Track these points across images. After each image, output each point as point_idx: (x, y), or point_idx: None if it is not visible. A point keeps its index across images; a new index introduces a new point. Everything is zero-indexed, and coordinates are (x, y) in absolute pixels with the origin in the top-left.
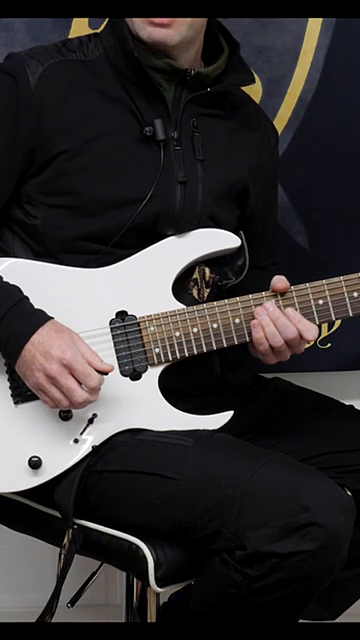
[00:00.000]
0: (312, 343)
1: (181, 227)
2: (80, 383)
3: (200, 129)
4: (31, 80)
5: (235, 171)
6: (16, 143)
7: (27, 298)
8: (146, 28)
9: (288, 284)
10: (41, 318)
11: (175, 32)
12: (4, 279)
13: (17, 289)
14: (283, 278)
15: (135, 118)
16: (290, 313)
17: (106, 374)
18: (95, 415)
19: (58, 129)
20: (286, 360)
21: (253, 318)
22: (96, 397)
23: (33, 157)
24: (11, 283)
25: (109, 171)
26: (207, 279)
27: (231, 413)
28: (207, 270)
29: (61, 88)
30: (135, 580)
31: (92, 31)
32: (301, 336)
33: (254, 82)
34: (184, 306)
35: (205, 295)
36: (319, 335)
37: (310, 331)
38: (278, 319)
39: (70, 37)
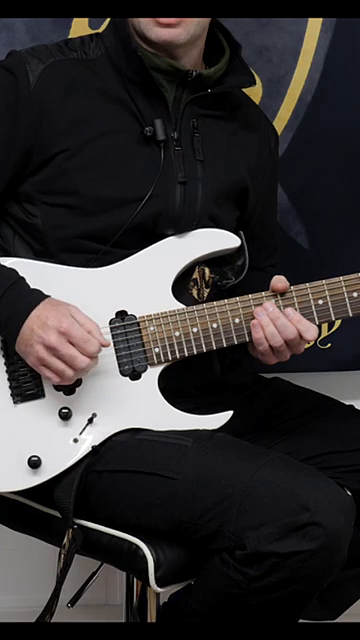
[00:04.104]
0: (312, 343)
1: (181, 227)
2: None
3: (200, 130)
4: (31, 78)
5: (235, 172)
6: (14, 141)
7: (24, 279)
8: (153, 29)
9: (288, 284)
10: (38, 296)
11: (183, 31)
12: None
13: (13, 271)
14: (283, 278)
15: (135, 118)
16: (290, 313)
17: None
18: (95, 415)
19: (57, 128)
20: (286, 360)
21: (253, 318)
22: (96, 363)
23: (31, 155)
24: (7, 266)
25: (109, 170)
26: (207, 279)
27: (231, 413)
28: (207, 270)
29: (61, 87)
30: (135, 580)
31: (92, 31)
32: (301, 336)
33: (255, 84)
34: (184, 306)
35: (205, 295)
36: (319, 335)
37: (310, 331)
38: (278, 319)
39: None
